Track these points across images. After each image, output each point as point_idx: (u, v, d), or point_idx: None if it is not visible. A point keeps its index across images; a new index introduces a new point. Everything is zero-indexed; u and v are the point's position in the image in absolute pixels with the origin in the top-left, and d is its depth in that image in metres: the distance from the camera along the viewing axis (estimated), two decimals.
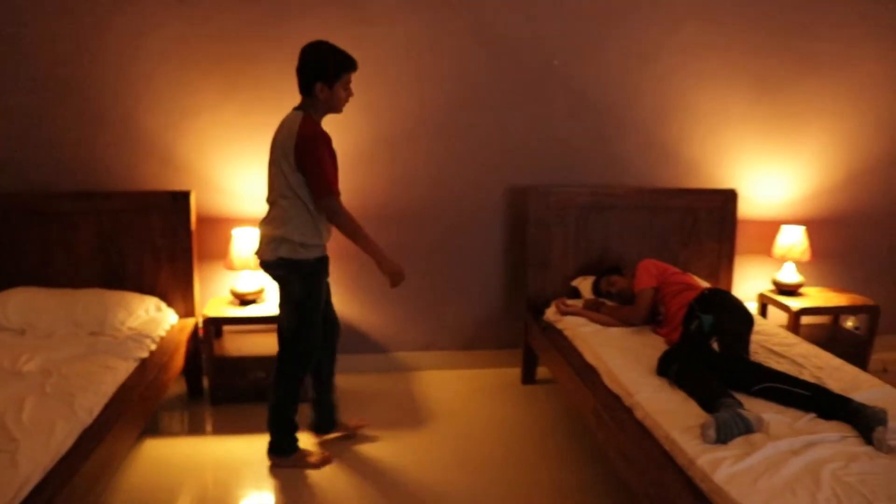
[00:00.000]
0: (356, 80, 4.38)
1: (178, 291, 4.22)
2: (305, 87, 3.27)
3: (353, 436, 3.82)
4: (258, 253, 3.37)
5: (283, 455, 3.52)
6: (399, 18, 4.33)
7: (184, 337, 4.03)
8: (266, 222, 3.33)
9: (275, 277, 3.35)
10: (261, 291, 4.29)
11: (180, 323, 4.17)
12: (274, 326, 4.43)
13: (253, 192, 4.37)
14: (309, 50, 3.26)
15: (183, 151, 4.29)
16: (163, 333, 3.89)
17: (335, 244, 4.47)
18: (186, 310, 4.25)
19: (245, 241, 4.18)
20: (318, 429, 3.80)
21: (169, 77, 4.20)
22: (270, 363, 4.05)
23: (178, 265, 4.20)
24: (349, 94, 3.32)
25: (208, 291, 4.47)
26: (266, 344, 4.30)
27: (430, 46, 4.39)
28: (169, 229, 4.16)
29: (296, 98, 4.28)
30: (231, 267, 4.20)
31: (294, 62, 4.21)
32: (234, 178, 4.35)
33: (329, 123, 4.33)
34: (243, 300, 4.25)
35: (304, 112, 3.25)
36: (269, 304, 4.27)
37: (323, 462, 3.54)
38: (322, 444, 3.74)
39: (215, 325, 4.21)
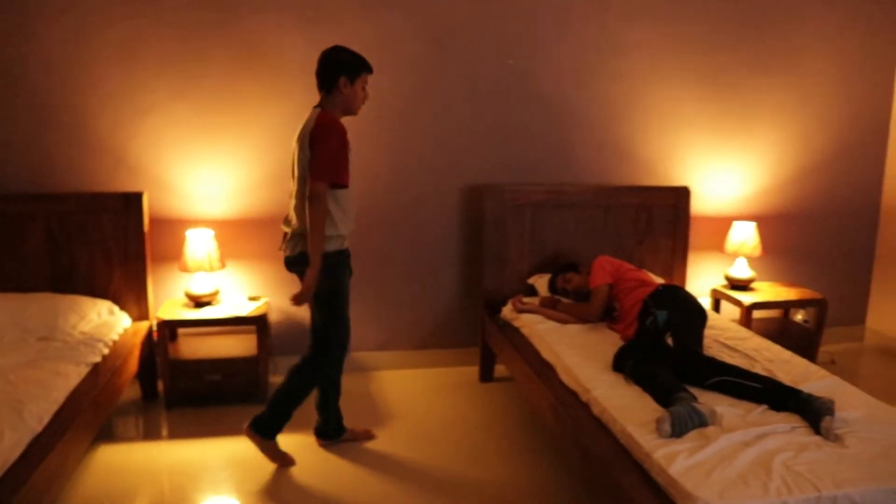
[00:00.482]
0: (301, 83, 4.36)
1: (131, 294, 4.16)
2: (327, 82, 3.32)
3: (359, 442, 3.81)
4: (281, 249, 3.42)
5: (261, 436, 3.49)
6: (353, 19, 4.32)
7: (138, 340, 3.97)
8: (288, 220, 3.38)
9: (298, 273, 3.35)
10: (216, 293, 4.24)
11: (134, 326, 4.11)
12: (229, 329, 4.43)
13: (206, 193, 4.33)
14: (330, 50, 3.36)
15: (135, 152, 4.22)
16: (116, 337, 3.83)
17: (271, 242, 4.43)
18: (140, 313, 4.18)
19: (199, 243, 4.13)
20: (326, 435, 3.76)
21: (120, 77, 4.13)
22: (226, 365, 4.08)
23: (131, 267, 4.13)
24: (366, 95, 3.42)
25: (162, 294, 4.40)
26: (222, 346, 4.27)
27: (385, 47, 4.38)
28: (121, 231, 4.10)
29: (249, 97, 4.30)
30: (185, 269, 4.15)
31: (246, 61, 4.23)
32: (188, 178, 4.30)
33: (281, 124, 4.32)
34: (198, 302, 4.20)
35: (322, 108, 3.33)
36: (225, 305, 4.23)
37: (286, 464, 3.53)
38: (325, 448, 3.74)
39: (170, 328, 4.14)
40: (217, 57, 4.21)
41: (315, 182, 3.16)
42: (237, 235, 4.41)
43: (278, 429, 3.52)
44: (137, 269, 4.14)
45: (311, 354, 3.46)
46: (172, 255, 4.34)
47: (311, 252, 3.20)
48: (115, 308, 4.06)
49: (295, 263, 3.35)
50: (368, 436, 3.84)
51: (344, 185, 3.28)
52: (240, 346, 4.28)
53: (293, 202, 3.33)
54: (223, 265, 4.24)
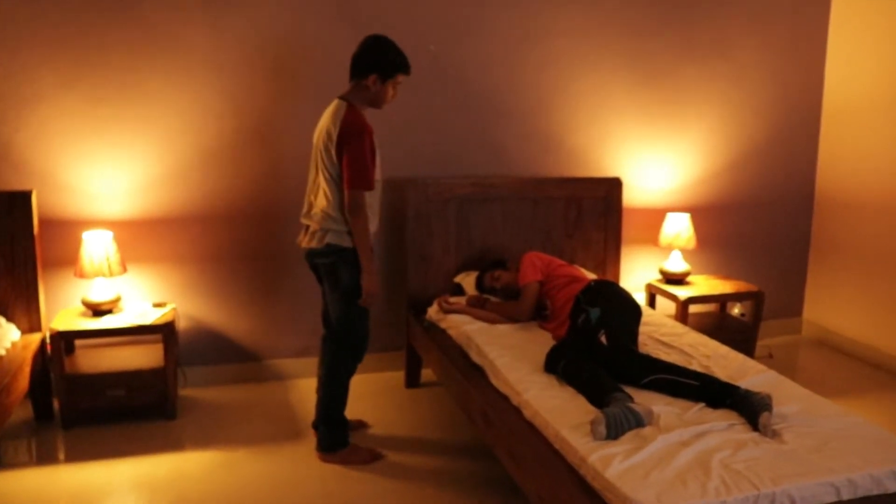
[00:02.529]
0: (206, 70, 4.29)
1: (20, 304, 4.02)
2: (359, 73, 3.51)
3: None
4: (304, 242, 3.62)
5: (331, 451, 3.70)
6: (262, 2, 4.26)
7: (28, 354, 3.84)
8: (310, 213, 3.58)
9: (323, 266, 3.57)
10: (117, 300, 4.14)
11: (24, 339, 3.97)
12: (133, 339, 4.34)
13: (104, 191, 4.22)
14: (372, 41, 3.53)
15: (20, 146, 4.07)
16: (2, 352, 3.68)
17: (176, 244, 4.33)
18: (31, 324, 4.05)
19: (97, 245, 4.01)
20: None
21: (0, 63, 3.98)
22: (130, 379, 4.00)
23: (19, 275, 3.99)
24: (395, 94, 3.60)
25: (56, 303, 4.27)
26: (125, 358, 4.17)
27: (295, 30, 4.33)
28: (7, 234, 3.95)
29: (149, 86, 4.21)
30: (82, 274, 4.03)
31: (145, 47, 4.15)
32: (83, 175, 4.18)
33: (184, 115, 4.24)
34: (97, 311, 4.09)
35: (349, 102, 3.48)
36: (127, 313, 4.12)
37: (373, 458, 3.70)
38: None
39: (66, 340, 4.01)
40: (112, 42, 4.09)
41: (353, 191, 3.38)
42: (139, 237, 4.31)
43: (343, 435, 3.73)
44: (27, 276, 4.00)
45: (330, 354, 3.68)
46: (67, 260, 4.21)
47: (364, 261, 3.45)
48: (2, 320, 3.91)
49: (320, 255, 3.54)
50: (363, 424, 4.08)
51: (371, 188, 3.46)
52: (145, 357, 4.19)
53: (315, 195, 3.54)
54: (124, 269, 4.13)
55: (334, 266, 3.51)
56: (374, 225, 3.55)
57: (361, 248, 3.45)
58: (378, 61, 3.46)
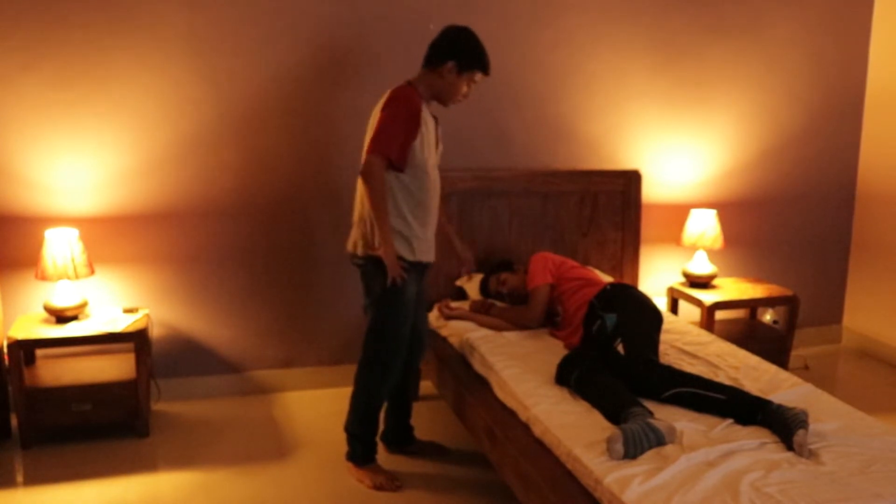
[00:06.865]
0: (183, 51, 4.26)
1: None
2: (432, 60, 3.51)
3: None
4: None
5: (351, 461, 3.74)
6: None
7: None
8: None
9: (357, 266, 3.59)
10: (83, 305, 4.13)
11: None
12: (101, 348, 4.35)
13: (68, 184, 4.21)
14: (457, 30, 3.55)
15: None
16: None
17: (149, 243, 4.32)
18: None
19: (60, 245, 4.00)
20: (387, 440, 4.00)
21: None
22: (98, 392, 4.01)
23: None
24: (467, 94, 3.59)
25: (15, 308, 4.26)
26: (92, 369, 4.16)
27: (283, 5, 4.31)
28: None
29: (119, 67, 4.21)
30: (44, 277, 4.02)
31: (114, 23, 4.13)
32: (44, 167, 4.17)
33: (159, 99, 4.22)
34: (61, 317, 4.08)
35: (409, 82, 3.52)
36: (95, 320, 4.12)
37: (384, 487, 3.62)
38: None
39: (25, 350, 4.03)
40: (76, 19, 4.07)
41: (368, 154, 3.33)
42: (108, 235, 4.30)
43: (367, 449, 3.73)
44: None
45: (360, 363, 3.69)
46: (27, 261, 4.20)
47: (381, 236, 3.37)
48: None
49: (353, 258, 3.58)
50: (441, 451, 4.01)
51: (396, 167, 3.36)
52: (114, 368, 4.19)
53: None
54: (91, 271, 4.12)
55: (365, 270, 3.55)
56: (424, 228, 3.53)
57: (378, 224, 3.37)
58: (461, 50, 3.48)
